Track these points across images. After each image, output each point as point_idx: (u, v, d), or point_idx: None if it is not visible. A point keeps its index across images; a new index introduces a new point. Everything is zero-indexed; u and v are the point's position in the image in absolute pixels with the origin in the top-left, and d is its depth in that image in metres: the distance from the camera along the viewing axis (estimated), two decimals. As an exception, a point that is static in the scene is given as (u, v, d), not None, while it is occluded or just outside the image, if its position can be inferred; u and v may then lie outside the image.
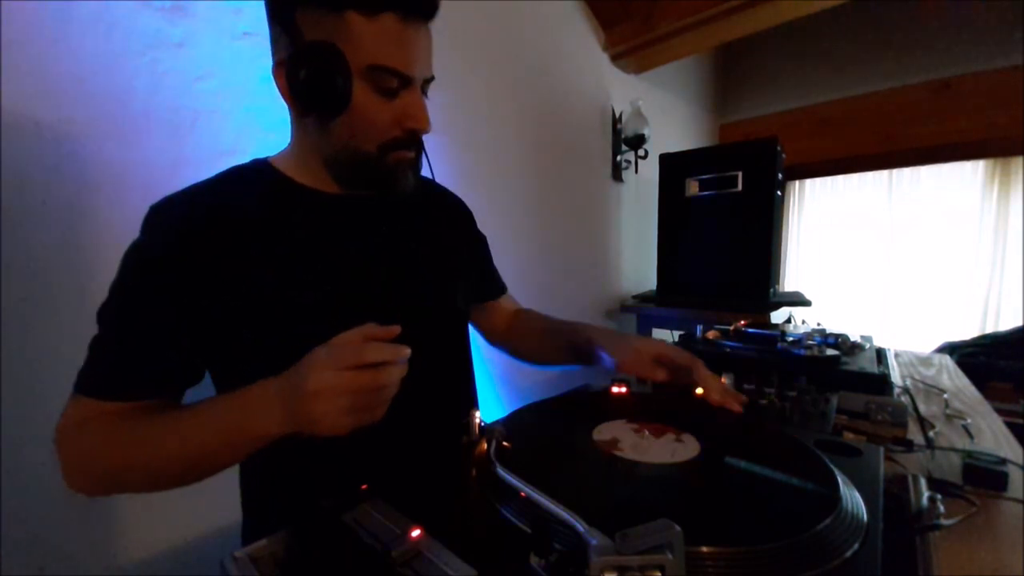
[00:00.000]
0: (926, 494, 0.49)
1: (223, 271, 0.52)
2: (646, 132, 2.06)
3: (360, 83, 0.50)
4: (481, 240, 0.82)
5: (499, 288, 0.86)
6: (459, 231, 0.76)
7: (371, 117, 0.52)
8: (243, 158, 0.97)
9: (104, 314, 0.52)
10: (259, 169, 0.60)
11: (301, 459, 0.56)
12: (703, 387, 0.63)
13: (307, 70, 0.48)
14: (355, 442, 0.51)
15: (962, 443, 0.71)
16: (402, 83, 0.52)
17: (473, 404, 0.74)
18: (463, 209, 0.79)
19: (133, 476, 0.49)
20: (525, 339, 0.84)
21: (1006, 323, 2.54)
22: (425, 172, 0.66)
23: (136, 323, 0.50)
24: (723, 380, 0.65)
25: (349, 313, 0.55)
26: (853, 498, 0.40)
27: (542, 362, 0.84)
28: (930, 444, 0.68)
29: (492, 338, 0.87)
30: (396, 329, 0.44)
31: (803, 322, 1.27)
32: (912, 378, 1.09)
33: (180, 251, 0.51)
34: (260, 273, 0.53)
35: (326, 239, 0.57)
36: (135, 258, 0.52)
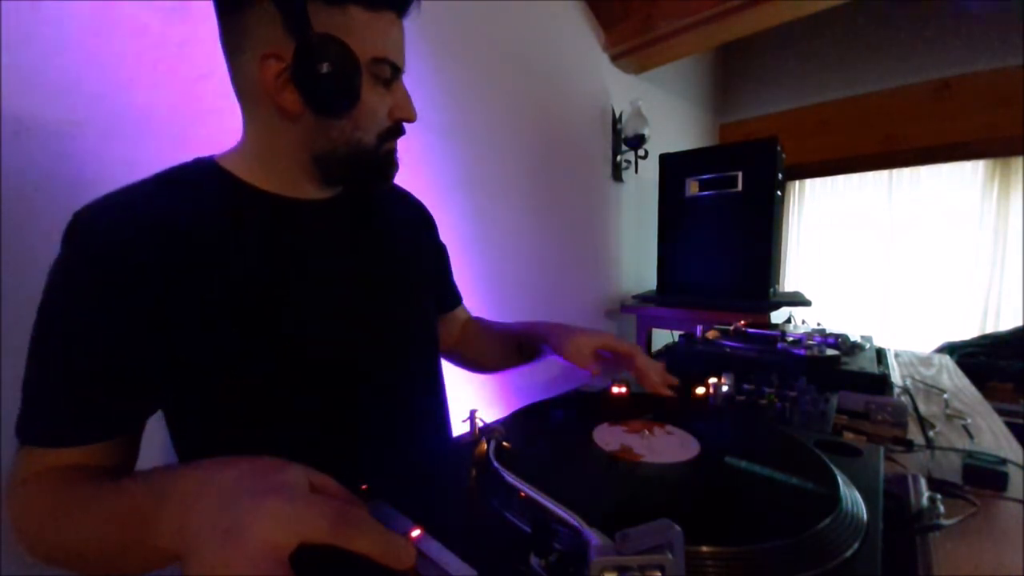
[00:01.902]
0: (926, 494, 0.49)
1: (171, 291, 0.45)
2: (646, 132, 2.06)
3: (364, 78, 0.49)
4: (442, 248, 0.79)
5: (456, 299, 0.83)
6: (423, 238, 0.73)
7: (374, 108, 0.51)
8: (243, 158, 0.98)
9: (34, 347, 0.45)
10: (205, 170, 0.52)
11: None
12: (641, 374, 0.65)
13: (329, 66, 0.45)
14: (339, 452, 0.52)
15: (962, 443, 0.71)
16: (394, 74, 0.53)
17: (446, 411, 0.71)
18: (426, 214, 0.76)
19: (66, 559, 0.41)
20: (476, 346, 0.84)
21: (1006, 323, 2.54)
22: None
23: (70, 355, 0.43)
24: (662, 366, 0.68)
25: (319, 336, 0.52)
26: (853, 498, 0.40)
27: (494, 367, 0.85)
28: (930, 444, 0.68)
29: (447, 352, 0.83)
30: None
31: (803, 322, 1.27)
32: (912, 378, 1.09)
33: (118, 268, 0.43)
34: (214, 292, 0.46)
35: (285, 250, 0.51)
36: (64, 279, 0.44)
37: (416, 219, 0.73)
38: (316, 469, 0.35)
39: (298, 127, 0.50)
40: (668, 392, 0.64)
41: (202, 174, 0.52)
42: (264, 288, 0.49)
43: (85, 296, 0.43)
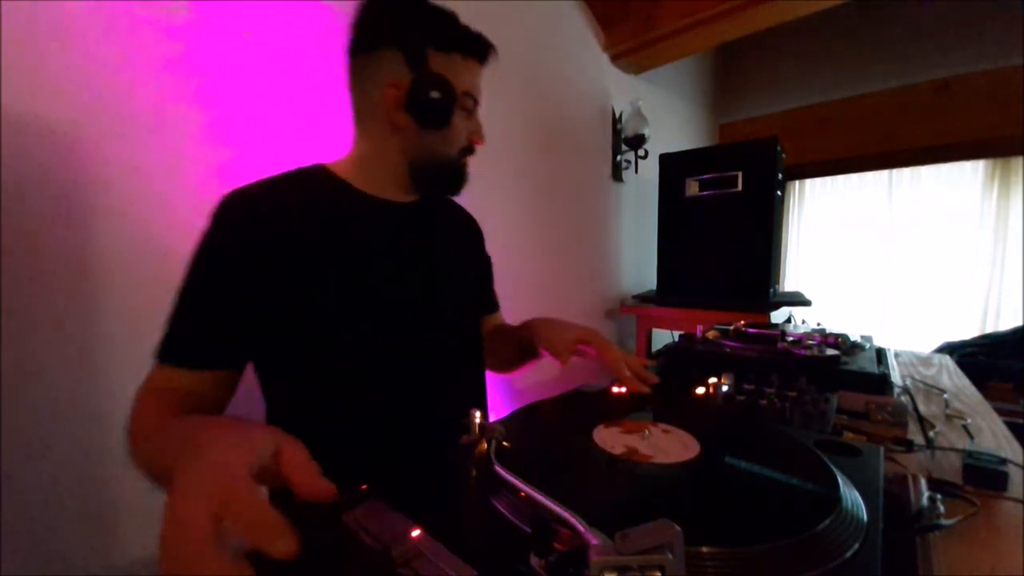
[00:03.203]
0: (926, 494, 0.49)
1: (282, 262, 0.57)
2: (646, 132, 2.06)
3: (456, 104, 0.64)
4: (488, 259, 0.89)
5: (494, 306, 0.91)
6: (474, 246, 0.86)
7: (458, 129, 0.66)
8: (243, 158, 0.98)
9: (179, 291, 0.58)
10: (318, 173, 0.66)
11: (327, 452, 0.54)
12: (614, 369, 0.68)
13: (437, 93, 0.60)
14: (380, 436, 0.61)
15: (962, 443, 0.71)
16: (474, 105, 0.68)
17: (485, 404, 0.81)
18: (477, 227, 0.88)
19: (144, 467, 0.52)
20: (491, 349, 0.87)
21: (1006, 323, 2.54)
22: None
23: (198, 300, 0.56)
24: (647, 362, 0.71)
25: (389, 308, 0.64)
26: (853, 498, 0.40)
27: (505, 368, 0.90)
28: (930, 444, 0.68)
29: None
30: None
31: (803, 322, 1.27)
32: (912, 378, 1.09)
33: (245, 243, 0.57)
34: (318, 267, 0.59)
35: (378, 240, 0.65)
36: (204, 244, 0.58)
37: (470, 229, 0.86)
38: (367, 423, 0.56)
39: (403, 138, 0.65)
40: (643, 388, 0.66)
41: (315, 176, 0.66)
42: (356, 269, 0.61)
43: (216, 259, 0.57)
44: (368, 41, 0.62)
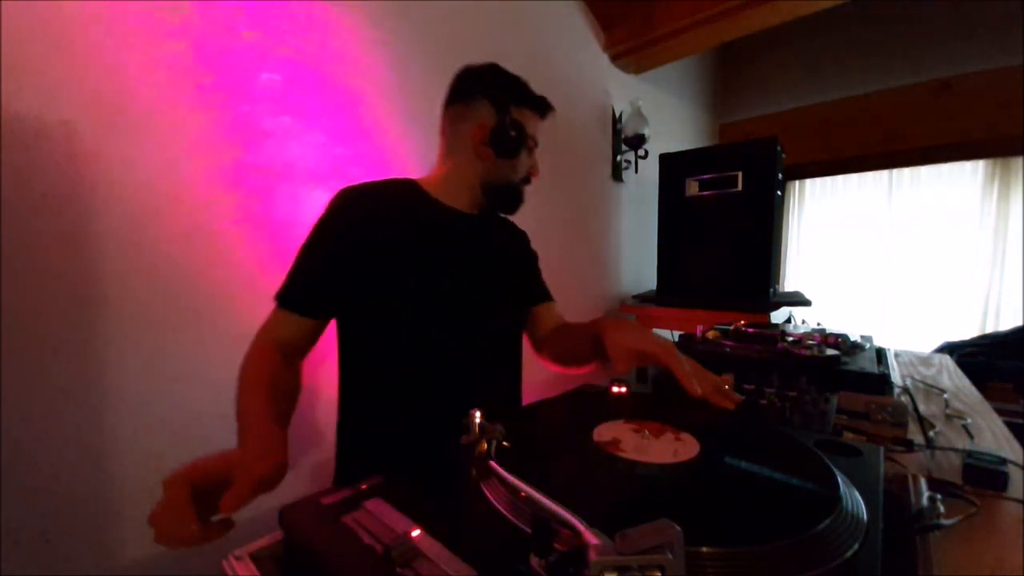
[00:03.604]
0: (926, 494, 0.49)
1: (375, 247, 0.74)
2: (646, 132, 2.06)
3: (523, 145, 0.83)
4: (533, 255, 1.03)
5: (544, 294, 1.00)
6: (519, 248, 1.01)
7: (523, 162, 0.84)
8: (243, 158, 0.98)
9: (300, 253, 0.75)
10: (408, 184, 0.83)
11: (376, 416, 0.78)
12: (683, 382, 0.61)
13: (514, 133, 0.79)
14: (442, 380, 0.78)
15: (962, 443, 0.71)
16: (534, 146, 0.86)
17: (519, 394, 0.93)
18: (520, 231, 1.03)
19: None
20: (561, 344, 0.91)
21: (1006, 323, 2.54)
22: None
23: (309, 263, 0.74)
24: (727, 378, 0.68)
25: (455, 301, 0.79)
26: (853, 498, 0.40)
27: (574, 363, 0.90)
28: (930, 444, 0.68)
29: (537, 347, 0.97)
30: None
31: (803, 322, 1.27)
32: (912, 378, 1.09)
33: (349, 229, 0.74)
34: (403, 255, 0.76)
35: (446, 246, 0.81)
36: (320, 223, 0.76)
37: (517, 237, 1.01)
38: (423, 390, 0.77)
39: (482, 165, 0.82)
40: (725, 403, 0.61)
41: (408, 185, 0.83)
42: (432, 262, 0.78)
43: (326, 235, 0.75)
44: (465, 93, 0.82)
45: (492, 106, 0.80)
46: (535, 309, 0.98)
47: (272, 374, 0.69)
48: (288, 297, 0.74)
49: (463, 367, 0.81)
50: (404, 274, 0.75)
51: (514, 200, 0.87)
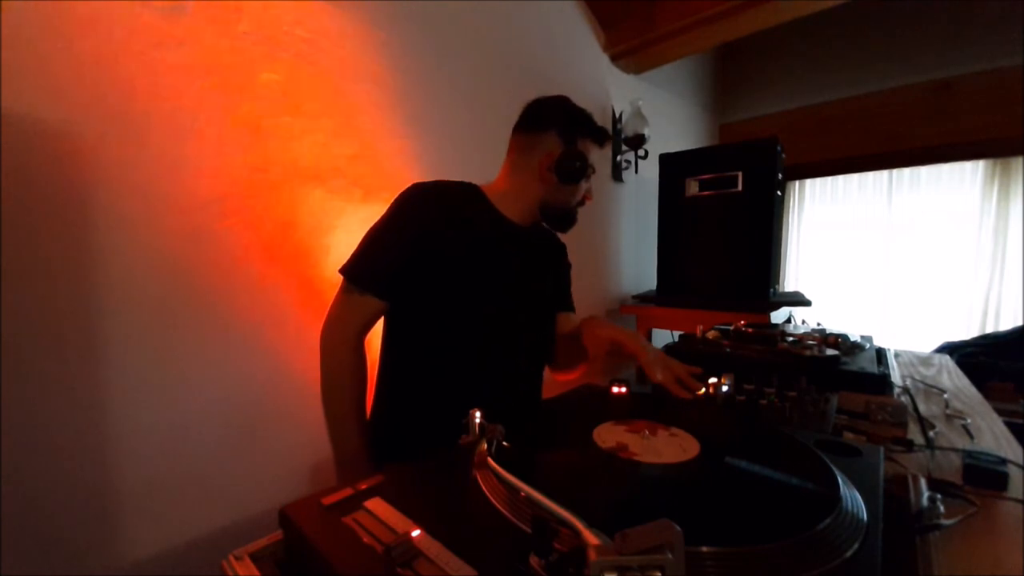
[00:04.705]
0: (926, 494, 0.49)
1: (439, 244, 0.79)
2: (646, 132, 2.05)
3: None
4: (568, 265, 1.08)
5: (568, 304, 1.05)
6: (560, 258, 1.06)
7: (580, 188, 0.90)
8: (243, 158, 0.98)
9: (371, 232, 0.82)
10: (475, 190, 0.89)
11: (413, 406, 0.83)
12: (645, 369, 0.72)
13: (579, 164, 0.85)
14: (476, 377, 0.83)
15: (962, 443, 0.71)
16: (592, 174, 0.91)
17: (541, 381, 0.98)
18: (560, 242, 1.07)
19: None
20: (563, 351, 0.98)
21: (1006, 323, 2.54)
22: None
23: (394, 252, 0.79)
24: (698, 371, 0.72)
25: (506, 304, 0.85)
26: (853, 498, 0.40)
27: (569, 367, 1.00)
28: (930, 444, 0.68)
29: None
30: None
31: (803, 322, 1.27)
32: (912, 378, 1.09)
33: (424, 221, 0.79)
34: (463, 256, 0.80)
35: (503, 252, 0.86)
36: (391, 211, 0.81)
37: (557, 249, 1.05)
38: (463, 385, 0.83)
39: (544, 188, 0.88)
40: (684, 393, 0.68)
41: (473, 191, 0.89)
42: (487, 267, 0.83)
43: (406, 223, 0.80)
44: (538, 122, 0.88)
45: (560, 137, 0.87)
46: (558, 315, 1.03)
47: (363, 371, 0.81)
48: (369, 280, 0.79)
49: (503, 368, 0.86)
50: (466, 272, 0.81)
51: (569, 221, 0.94)
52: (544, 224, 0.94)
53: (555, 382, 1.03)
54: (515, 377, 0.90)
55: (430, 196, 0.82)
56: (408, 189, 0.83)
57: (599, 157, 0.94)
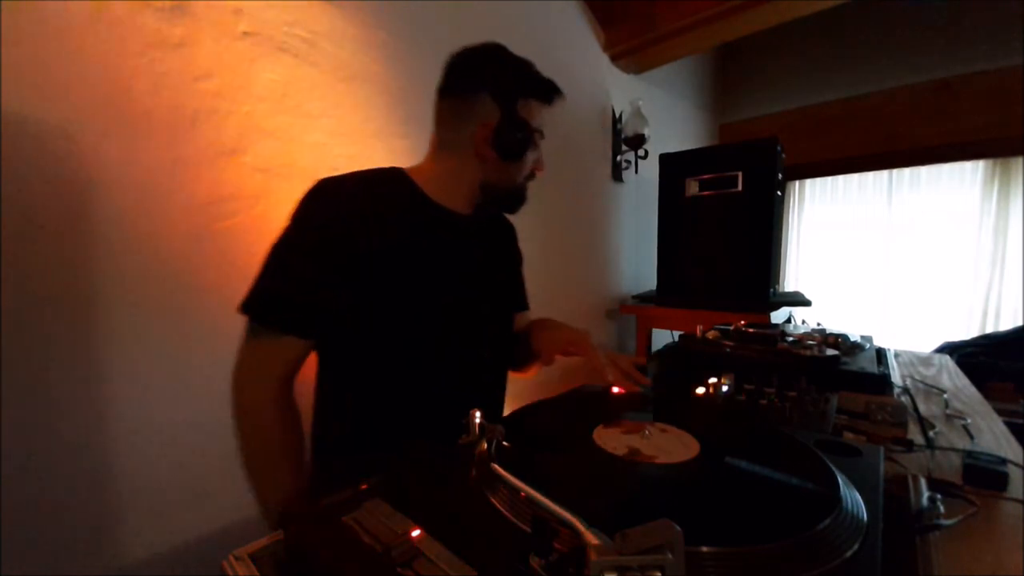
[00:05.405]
0: (926, 494, 0.49)
1: (353, 248, 0.65)
2: (646, 132, 2.06)
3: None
4: (520, 257, 0.96)
5: (523, 305, 0.97)
6: (511, 248, 0.94)
7: (528, 160, 0.77)
8: (243, 158, 0.98)
9: (274, 250, 0.65)
10: (402, 178, 0.74)
11: (363, 432, 0.71)
12: (596, 368, 0.72)
13: (520, 135, 0.72)
14: (415, 421, 0.70)
15: (962, 443, 0.71)
16: (540, 139, 0.78)
17: (505, 382, 0.89)
18: (511, 227, 0.95)
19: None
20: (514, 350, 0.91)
21: (1006, 323, 2.54)
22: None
23: (306, 277, 0.64)
24: (631, 361, 0.75)
25: (447, 306, 0.73)
26: (853, 498, 0.40)
27: (521, 367, 0.94)
28: (930, 444, 0.68)
29: None
30: None
31: (803, 322, 1.27)
32: (912, 378, 1.09)
33: (335, 223, 0.65)
34: (385, 258, 0.67)
35: (442, 245, 0.74)
36: (301, 219, 0.66)
37: (508, 234, 0.94)
38: (407, 408, 0.70)
39: (484, 167, 0.75)
40: (634, 387, 0.70)
41: (398, 178, 0.74)
42: (428, 267, 0.70)
43: (302, 234, 0.65)
44: (465, 86, 0.73)
45: (496, 102, 0.71)
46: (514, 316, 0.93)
47: (298, 427, 0.68)
48: (284, 316, 0.63)
49: (464, 358, 0.76)
50: (398, 280, 0.68)
51: (517, 201, 0.80)
52: (490, 208, 0.81)
53: (555, 382, 1.03)
54: (478, 368, 0.79)
55: (338, 191, 0.67)
56: (310, 189, 0.67)
57: (552, 120, 0.78)
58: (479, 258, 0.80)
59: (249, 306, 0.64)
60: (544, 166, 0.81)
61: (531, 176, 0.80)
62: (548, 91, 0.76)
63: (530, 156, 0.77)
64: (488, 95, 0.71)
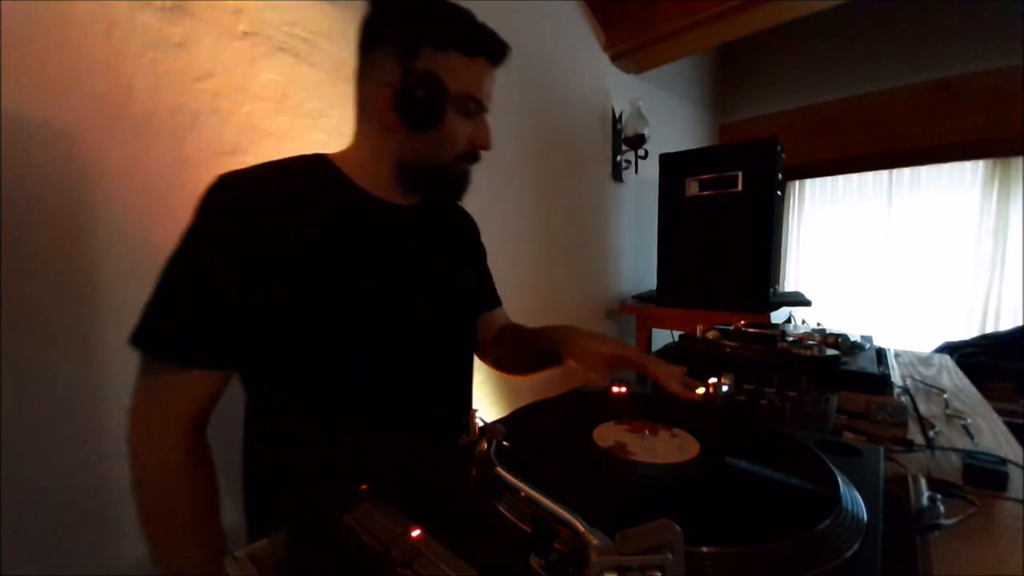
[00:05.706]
0: (926, 494, 0.49)
1: (274, 258, 0.55)
2: (646, 132, 2.06)
3: (450, 106, 0.60)
4: (484, 253, 0.88)
5: (495, 301, 0.90)
6: (470, 243, 0.85)
7: (454, 133, 0.62)
8: (243, 158, 0.98)
9: (169, 267, 0.55)
10: (321, 165, 0.64)
11: (304, 460, 0.60)
12: (660, 379, 0.65)
13: (422, 92, 0.57)
14: (360, 440, 0.60)
15: (962, 443, 0.71)
16: (478, 109, 0.63)
17: (469, 405, 0.79)
18: (471, 222, 0.86)
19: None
20: (506, 351, 0.86)
21: (1006, 323, 2.54)
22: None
23: (189, 295, 0.53)
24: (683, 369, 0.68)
25: (382, 314, 0.62)
26: (853, 498, 0.40)
27: (519, 371, 0.88)
28: (930, 444, 0.68)
29: (481, 351, 0.89)
30: None
31: (803, 322, 1.26)
32: (912, 378, 1.09)
33: (237, 227, 0.54)
34: (309, 259, 0.57)
35: (375, 242, 0.63)
36: (200, 225, 0.55)
37: (465, 228, 0.84)
38: (343, 450, 0.57)
39: (393, 139, 0.62)
40: (695, 396, 0.63)
41: (316, 167, 0.63)
42: (349, 270, 0.59)
43: (202, 244, 0.54)
44: (367, 38, 0.60)
45: (396, 54, 0.57)
46: (483, 316, 0.86)
47: (212, 478, 0.59)
48: (183, 348, 0.52)
49: (392, 347, 0.64)
50: (313, 272, 0.57)
51: (449, 184, 0.66)
52: (420, 192, 0.69)
53: (555, 382, 1.03)
54: (411, 359, 0.66)
55: (241, 189, 0.57)
56: (210, 189, 0.56)
57: (491, 82, 0.64)
58: (414, 248, 0.68)
59: (139, 337, 0.52)
60: (490, 143, 0.66)
61: (471, 156, 0.66)
62: (478, 43, 0.59)
63: (457, 127, 0.61)
64: (389, 46, 0.58)
